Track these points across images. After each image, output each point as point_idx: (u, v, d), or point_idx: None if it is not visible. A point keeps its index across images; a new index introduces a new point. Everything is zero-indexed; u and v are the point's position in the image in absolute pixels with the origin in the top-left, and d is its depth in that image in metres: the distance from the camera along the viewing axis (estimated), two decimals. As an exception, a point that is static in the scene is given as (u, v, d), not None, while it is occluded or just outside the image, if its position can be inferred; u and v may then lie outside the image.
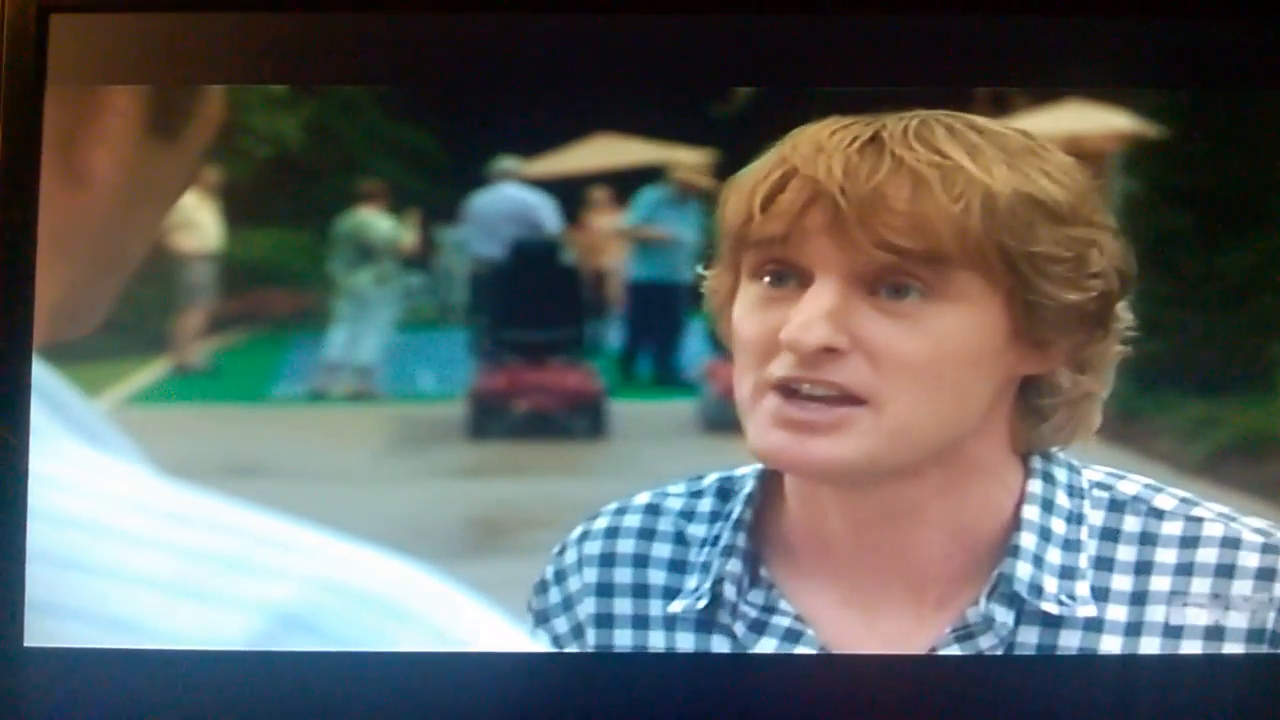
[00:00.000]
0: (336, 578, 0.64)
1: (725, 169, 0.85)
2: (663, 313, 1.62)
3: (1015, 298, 0.79)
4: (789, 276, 0.81)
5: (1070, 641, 0.83)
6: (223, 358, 1.59)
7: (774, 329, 0.80)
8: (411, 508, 1.41)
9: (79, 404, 0.74)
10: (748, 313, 0.82)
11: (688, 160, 1.41)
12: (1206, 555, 0.83)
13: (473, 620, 0.68)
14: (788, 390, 0.80)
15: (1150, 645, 0.83)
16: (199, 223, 1.41)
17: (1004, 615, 0.82)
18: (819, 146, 0.80)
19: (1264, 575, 0.82)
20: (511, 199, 1.44)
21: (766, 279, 0.81)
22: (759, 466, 0.88)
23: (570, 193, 1.47)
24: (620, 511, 0.90)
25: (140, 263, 0.80)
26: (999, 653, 0.83)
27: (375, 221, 1.56)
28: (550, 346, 1.58)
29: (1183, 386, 1.13)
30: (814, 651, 0.85)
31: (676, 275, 1.56)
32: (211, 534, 0.66)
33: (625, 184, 1.51)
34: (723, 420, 0.90)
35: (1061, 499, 0.84)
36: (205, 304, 1.52)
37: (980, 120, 0.82)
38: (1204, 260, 1.09)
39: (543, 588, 0.91)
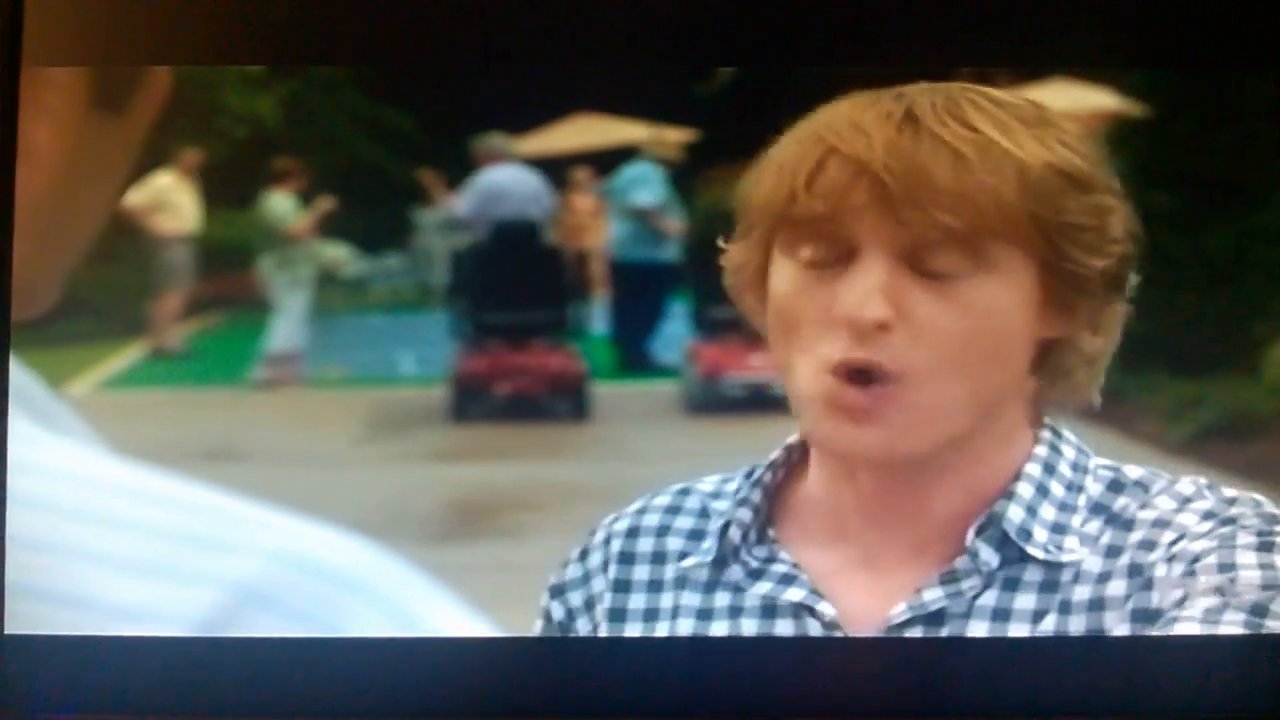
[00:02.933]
0: (296, 553, 0.65)
1: (706, 148, 0.85)
2: (647, 296, 1.61)
3: (1048, 267, 0.82)
4: (834, 256, 0.82)
5: (1037, 578, 0.84)
6: (201, 341, 1.58)
7: (824, 307, 0.82)
8: (393, 491, 1.41)
9: (36, 388, 0.73)
10: (794, 292, 0.84)
11: (669, 138, 1.40)
12: (1186, 518, 0.84)
13: (428, 599, 0.69)
14: (844, 374, 0.82)
15: (1117, 589, 0.84)
16: (177, 204, 1.39)
17: (989, 554, 0.84)
18: (855, 125, 0.82)
19: (1209, 516, 0.84)
20: (531, 180, 1.44)
21: (806, 257, 0.83)
22: (788, 442, 0.90)
23: (550, 172, 1.46)
24: (655, 495, 0.93)
25: (92, 241, 0.79)
26: (976, 592, 0.84)
27: (273, 203, 1.55)
28: (532, 329, 1.58)
29: (1167, 367, 1.13)
30: (804, 594, 0.86)
31: (661, 256, 1.56)
32: (171, 511, 0.66)
33: (606, 163, 1.50)
34: (706, 402, 0.90)
35: (1064, 469, 0.86)
36: (183, 286, 1.51)
37: (994, 93, 0.84)
38: (1189, 240, 1.09)
39: (565, 563, 0.93)
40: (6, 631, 0.89)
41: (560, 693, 0.95)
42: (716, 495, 0.91)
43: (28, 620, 0.69)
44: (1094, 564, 0.84)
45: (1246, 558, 0.83)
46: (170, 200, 1.40)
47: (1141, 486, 0.86)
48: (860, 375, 0.82)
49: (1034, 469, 0.86)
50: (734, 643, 0.89)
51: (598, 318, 1.64)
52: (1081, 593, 0.84)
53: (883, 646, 0.87)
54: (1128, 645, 0.86)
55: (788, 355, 0.84)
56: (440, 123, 1.25)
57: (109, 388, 1.34)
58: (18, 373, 0.76)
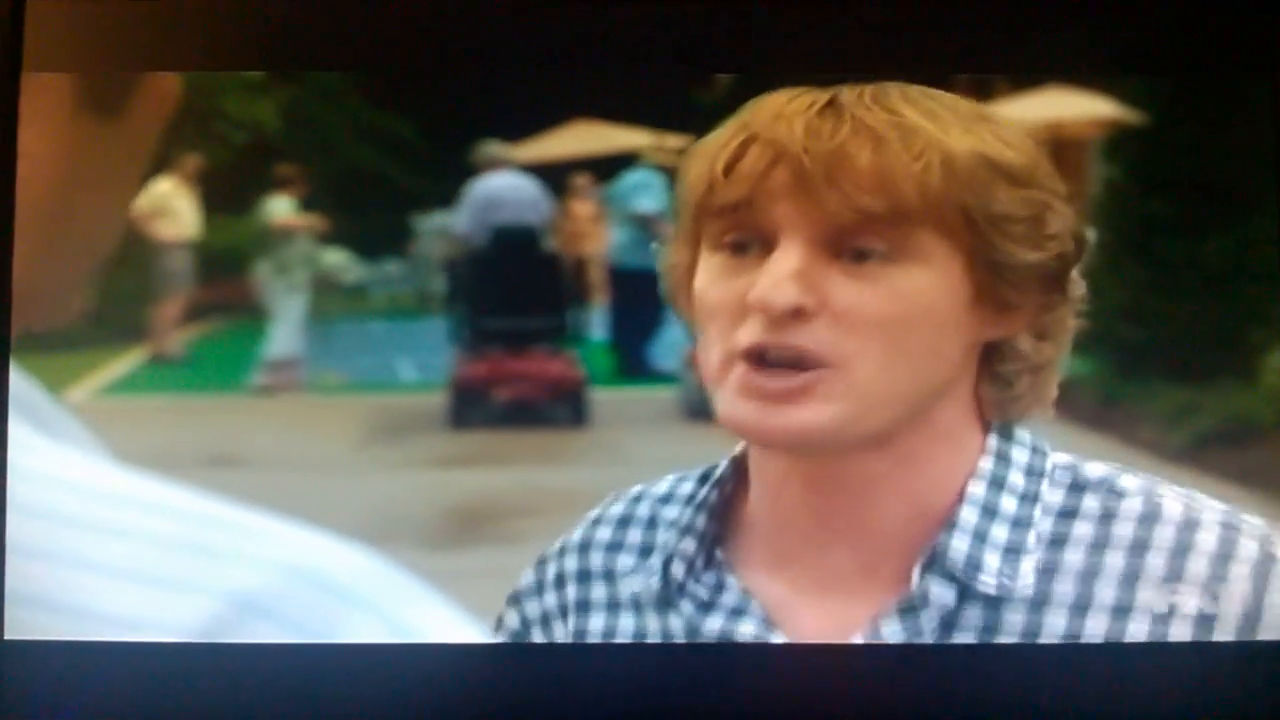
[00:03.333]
0: (294, 563, 0.64)
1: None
2: (645, 302, 1.61)
3: (977, 258, 0.80)
4: (751, 243, 0.81)
5: (1014, 619, 0.82)
6: (200, 347, 1.58)
7: (740, 294, 0.80)
8: (392, 497, 1.41)
9: (36, 394, 0.73)
10: (711, 282, 0.82)
11: (670, 144, 1.40)
12: (1164, 533, 0.82)
13: (426, 610, 0.69)
14: (756, 359, 0.79)
15: (1097, 624, 0.82)
16: (177, 210, 1.39)
17: (941, 590, 0.81)
18: (778, 113, 0.80)
19: (1220, 558, 0.81)
20: (528, 187, 1.44)
21: (729, 247, 0.81)
22: (734, 453, 0.88)
23: (549, 179, 1.47)
24: (611, 502, 0.91)
25: (111, 249, 0.79)
26: (936, 630, 0.82)
27: (270, 204, 1.55)
28: (531, 335, 1.58)
29: (1164, 373, 1.13)
30: (754, 627, 0.84)
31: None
32: (168, 520, 0.66)
33: (606, 170, 1.50)
34: (705, 408, 0.90)
35: (1016, 477, 0.84)
36: (182, 292, 1.51)
37: (932, 90, 0.82)
38: (1185, 247, 1.09)
39: (526, 573, 0.91)
40: (5, 638, 0.90)
41: (558, 699, 0.95)
42: (668, 499, 0.89)
43: (26, 628, 0.69)
44: (1066, 590, 0.82)
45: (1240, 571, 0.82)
46: (170, 206, 1.40)
47: (1104, 485, 0.84)
48: (780, 362, 0.79)
49: (977, 488, 0.83)
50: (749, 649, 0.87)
51: (597, 324, 1.64)
52: (1056, 619, 0.82)
53: (853, 654, 0.86)
54: (1119, 652, 0.85)
55: (706, 349, 0.82)
56: (440, 129, 1.25)
57: (108, 394, 1.34)
58: (18, 379, 0.76)
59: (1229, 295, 1.07)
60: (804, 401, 0.79)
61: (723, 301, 0.81)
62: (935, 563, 0.82)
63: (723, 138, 0.82)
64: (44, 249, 0.77)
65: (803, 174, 0.78)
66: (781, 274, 0.78)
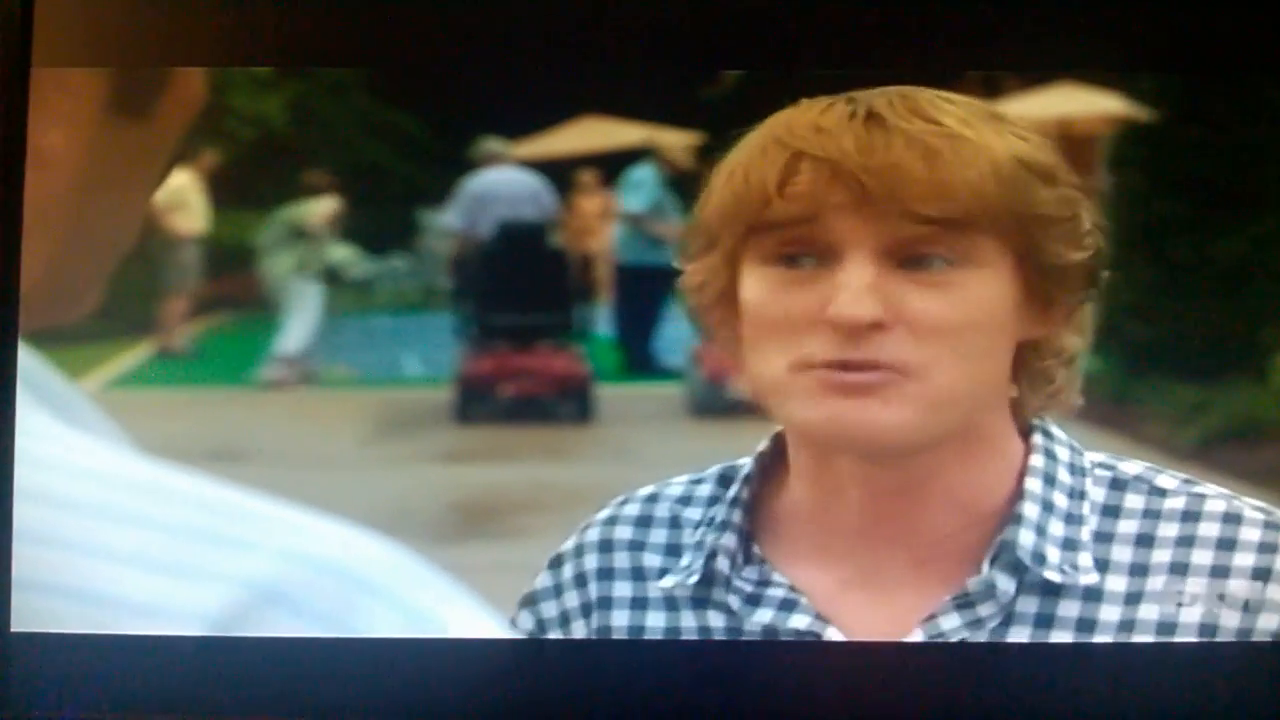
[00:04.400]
0: (313, 552, 0.64)
1: (713, 151, 0.85)
2: (651, 298, 1.61)
3: (1026, 260, 0.81)
4: (806, 257, 0.81)
5: (1069, 610, 0.83)
6: (207, 341, 1.59)
7: (806, 307, 0.80)
8: (398, 492, 1.41)
9: (55, 382, 0.73)
10: (770, 296, 0.82)
11: (675, 142, 1.40)
12: (1208, 529, 0.83)
13: (444, 599, 0.68)
14: (835, 368, 0.80)
15: (1149, 614, 0.83)
16: (192, 204, 1.39)
17: (1005, 583, 0.83)
18: (818, 128, 0.81)
19: (1265, 549, 0.83)
20: (525, 181, 1.44)
21: (783, 260, 0.81)
22: (760, 450, 0.88)
23: (556, 175, 1.47)
24: (623, 502, 0.91)
25: (129, 245, 0.79)
26: (996, 622, 0.83)
27: (310, 206, 1.56)
28: (537, 331, 1.58)
29: (1175, 372, 1.13)
30: (809, 620, 0.85)
31: (665, 259, 1.56)
32: (188, 509, 0.66)
33: (612, 166, 1.50)
34: (709, 405, 0.89)
35: (1063, 475, 0.85)
36: (192, 287, 1.52)
37: (950, 94, 0.83)
38: (1196, 246, 1.09)
39: (537, 572, 0.91)
40: (13, 629, 0.90)
41: (579, 695, 0.95)
42: (687, 501, 0.90)
43: (40, 616, 0.69)
44: (1119, 584, 0.84)
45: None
46: (184, 200, 1.40)
47: (1144, 483, 0.85)
48: (857, 368, 0.80)
49: (1034, 484, 0.84)
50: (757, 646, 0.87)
51: (603, 320, 1.64)
52: (1110, 613, 0.84)
53: (890, 653, 0.86)
54: (1123, 654, 0.85)
55: (766, 359, 0.83)
56: (447, 125, 1.25)
57: (115, 387, 1.34)
58: (36, 365, 0.76)
59: (1239, 294, 1.07)
60: (886, 400, 0.80)
61: (787, 315, 0.81)
62: (1003, 555, 0.83)
63: (756, 153, 0.82)
64: (72, 249, 0.77)
65: (862, 191, 0.79)
66: (859, 289, 0.79)
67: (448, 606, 0.70)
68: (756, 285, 0.83)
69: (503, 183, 1.44)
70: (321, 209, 1.56)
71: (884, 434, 0.81)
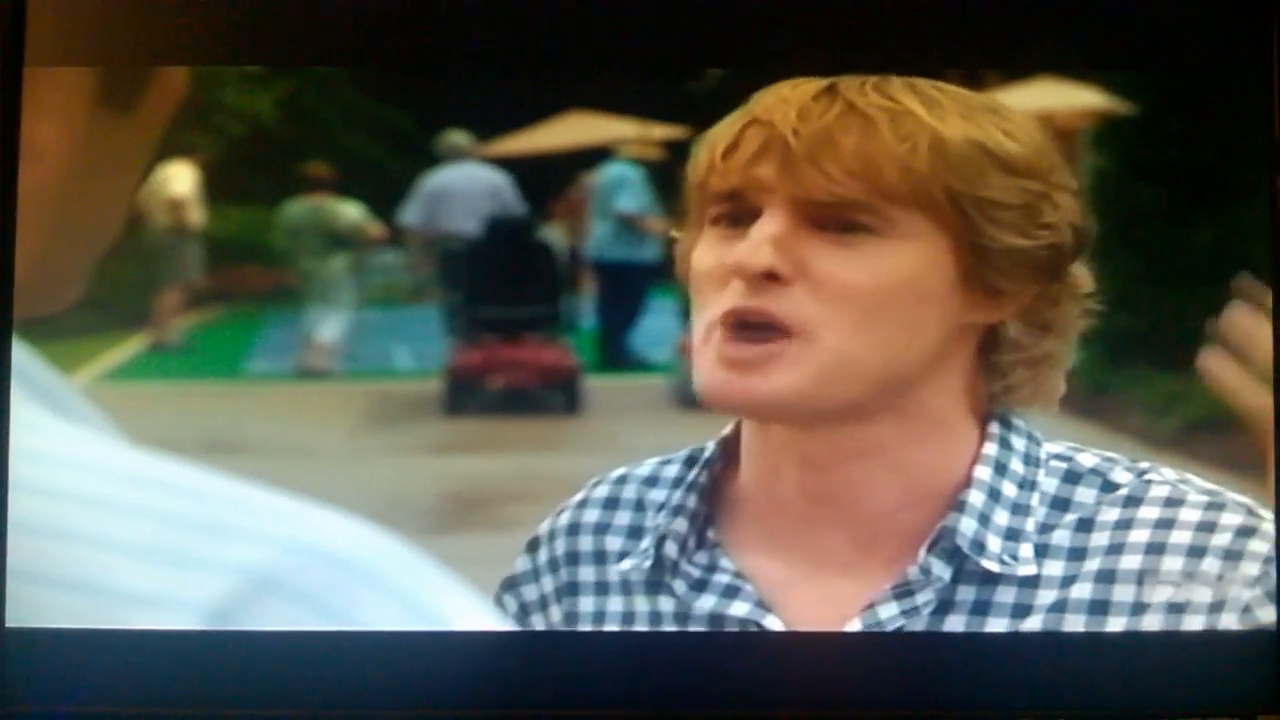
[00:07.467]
0: (311, 540, 0.65)
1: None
2: (630, 293, 1.62)
3: (963, 240, 0.82)
4: (743, 218, 0.83)
5: (1005, 597, 0.85)
6: (199, 334, 1.59)
7: (721, 263, 0.83)
8: (387, 483, 1.41)
9: (47, 376, 0.74)
10: (703, 254, 0.85)
11: (656, 135, 1.41)
12: (1148, 511, 0.84)
13: (441, 588, 0.69)
14: (731, 326, 0.82)
15: (1081, 593, 0.84)
16: (184, 198, 1.40)
17: (941, 569, 0.84)
18: (781, 98, 0.83)
19: (1203, 528, 0.84)
20: (484, 178, 1.44)
21: (723, 220, 0.84)
22: (723, 434, 0.89)
23: (544, 170, 1.47)
24: (596, 484, 0.93)
25: (113, 237, 0.79)
26: (931, 609, 0.84)
27: (339, 209, 1.56)
28: (526, 323, 1.58)
29: (1153, 361, 1.14)
30: (749, 608, 0.86)
31: (643, 255, 1.57)
32: (184, 498, 0.67)
33: (597, 161, 1.51)
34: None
35: (1016, 464, 0.86)
36: (184, 280, 1.52)
37: (942, 83, 0.85)
38: (1175, 235, 1.10)
39: (517, 556, 0.93)
40: (8, 625, 0.90)
41: (572, 686, 0.95)
42: (653, 482, 0.91)
43: (35, 608, 0.69)
44: (1055, 569, 0.85)
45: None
46: (179, 194, 1.40)
47: (1098, 476, 0.86)
48: (751, 329, 0.82)
49: (984, 472, 0.85)
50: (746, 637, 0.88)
51: (590, 312, 1.65)
52: (1045, 597, 0.84)
53: (826, 643, 0.87)
54: (1123, 642, 0.86)
55: (697, 327, 0.85)
56: (437, 120, 1.26)
57: (108, 380, 1.34)
58: (29, 361, 0.77)
59: (1217, 283, 1.07)
60: (770, 369, 0.81)
61: (709, 271, 0.84)
62: (942, 541, 0.84)
63: (728, 124, 0.85)
64: (56, 239, 0.78)
65: (788, 153, 0.81)
66: (759, 239, 0.81)
67: (447, 597, 0.70)
68: (699, 248, 0.85)
69: (461, 179, 1.44)
70: (372, 227, 1.57)
71: (770, 399, 0.82)
